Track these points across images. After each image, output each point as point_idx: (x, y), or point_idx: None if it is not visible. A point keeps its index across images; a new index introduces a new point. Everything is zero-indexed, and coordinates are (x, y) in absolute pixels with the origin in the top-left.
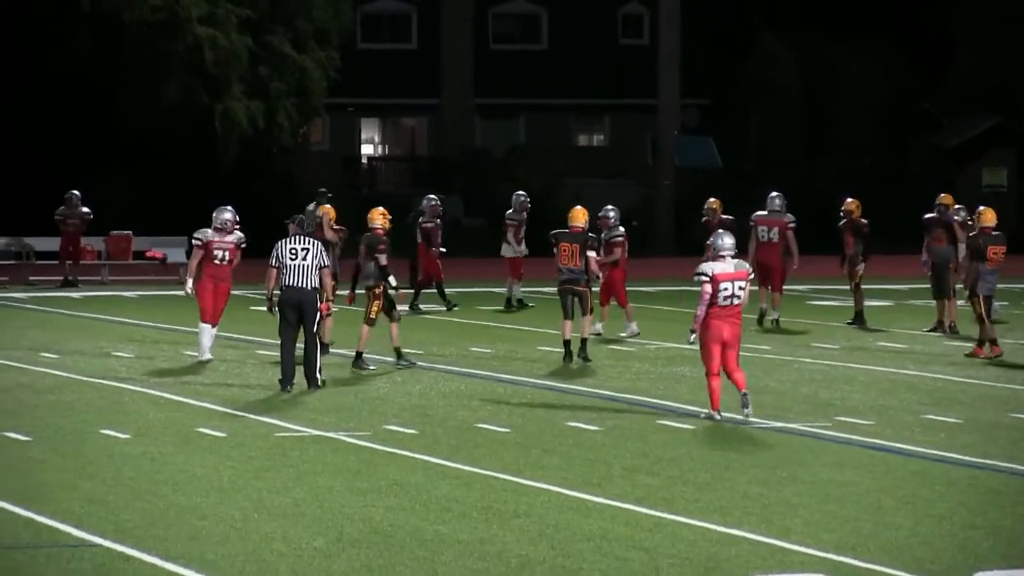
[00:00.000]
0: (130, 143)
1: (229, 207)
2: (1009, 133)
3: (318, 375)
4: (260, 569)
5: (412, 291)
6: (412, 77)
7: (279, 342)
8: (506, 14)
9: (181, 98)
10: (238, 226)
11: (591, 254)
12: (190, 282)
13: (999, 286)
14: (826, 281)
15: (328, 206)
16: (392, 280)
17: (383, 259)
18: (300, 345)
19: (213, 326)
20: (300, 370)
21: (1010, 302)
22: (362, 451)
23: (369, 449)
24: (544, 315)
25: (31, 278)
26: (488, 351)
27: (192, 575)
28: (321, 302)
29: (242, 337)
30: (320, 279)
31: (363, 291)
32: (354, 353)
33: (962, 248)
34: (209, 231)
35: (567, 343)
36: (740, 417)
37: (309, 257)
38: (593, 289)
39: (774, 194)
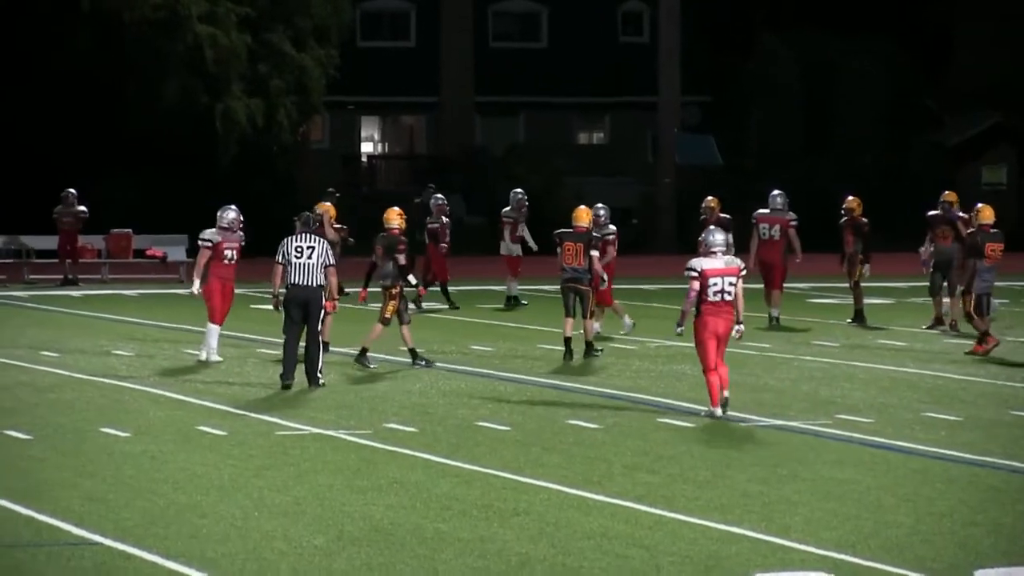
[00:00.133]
0: (130, 142)
1: (233, 206)
2: (1009, 131)
3: (319, 374)
4: (260, 567)
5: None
6: (412, 75)
7: (283, 339)
8: (506, 12)
9: (181, 97)
10: (242, 225)
11: (595, 253)
12: (197, 283)
13: (997, 284)
14: (827, 279)
15: (328, 204)
16: (412, 279)
17: (402, 259)
18: (301, 344)
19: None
20: (300, 368)
21: (1011, 300)
22: (362, 449)
23: (369, 447)
24: (545, 313)
25: (30, 277)
26: (489, 349)
27: (193, 573)
28: (326, 300)
29: (243, 336)
30: (326, 277)
31: (377, 290)
32: (359, 349)
33: None
34: (213, 231)
35: (568, 340)
36: (739, 415)
37: (315, 255)
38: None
39: (776, 192)
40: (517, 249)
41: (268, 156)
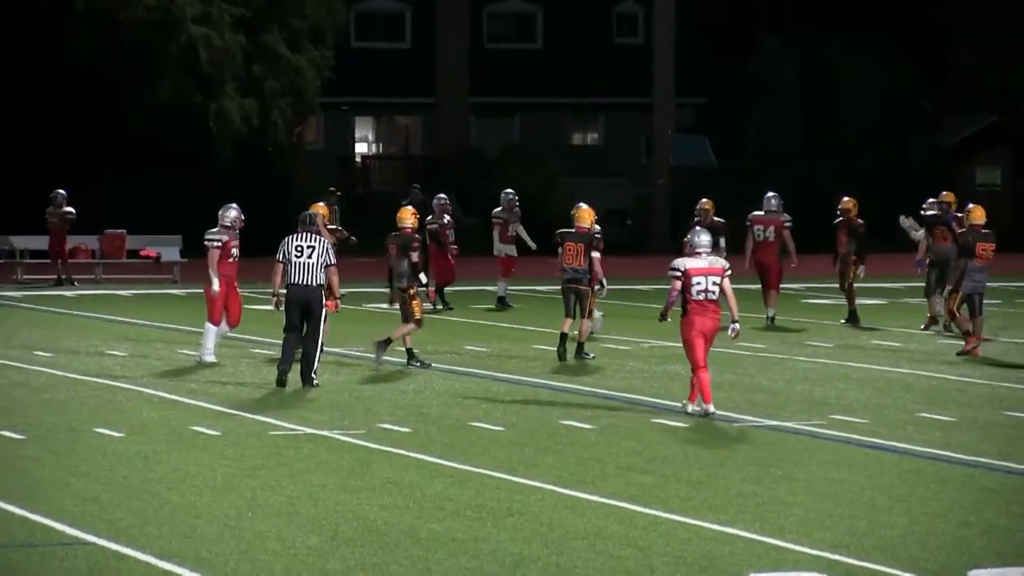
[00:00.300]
0: (126, 142)
1: (234, 204)
2: (1006, 132)
3: (314, 374)
4: (254, 568)
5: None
6: (406, 76)
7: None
8: (501, 13)
9: (176, 98)
10: (243, 223)
11: (595, 255)
12: (216, 281)
13: (989, 284)
14: (822, 280)
15: (322, 204)
16: (423, 278)
17: (415, 256)
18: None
19: (231, 326)
20: (297, 367)
21: (1004, 301)
22: (356, 449)
23: (363, 447)
24: (540, 314)
25: (24, 277)
26: (483, 350)
27: (186, 573)
28: (328, 300)
29: (239, 337)
30: (326, 277)
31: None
32: (406, 353)
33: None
34: (218, 230)
35: (563, 336)
36: (733, 415)
37: (315, 255)
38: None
39: (770, 194)
40: (508, 249)
41: (264, 157)
